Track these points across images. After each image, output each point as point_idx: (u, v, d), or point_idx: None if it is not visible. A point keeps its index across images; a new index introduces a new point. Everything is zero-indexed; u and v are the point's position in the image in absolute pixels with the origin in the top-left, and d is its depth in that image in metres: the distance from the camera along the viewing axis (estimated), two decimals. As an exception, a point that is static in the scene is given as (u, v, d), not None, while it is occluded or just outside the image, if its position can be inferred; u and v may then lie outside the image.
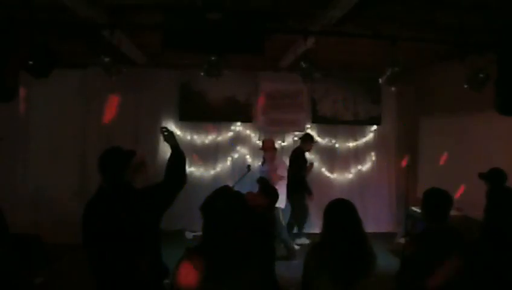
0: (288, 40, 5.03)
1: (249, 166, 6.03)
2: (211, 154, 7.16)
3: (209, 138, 7.17)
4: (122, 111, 6.80)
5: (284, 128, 7.30)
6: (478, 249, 2.68)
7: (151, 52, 5.76)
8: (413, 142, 7.35)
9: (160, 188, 2.57)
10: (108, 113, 6.70)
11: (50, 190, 6.44)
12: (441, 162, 6.27)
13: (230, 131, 7.23)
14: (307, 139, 6.54)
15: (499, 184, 4.18)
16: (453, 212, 2.72)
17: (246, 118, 7.18)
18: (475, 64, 4.49)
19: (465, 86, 4.61)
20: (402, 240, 6.35)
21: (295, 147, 6.75)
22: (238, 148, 7.23)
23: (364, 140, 7.56)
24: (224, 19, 3.95)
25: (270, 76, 7.11)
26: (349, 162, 7.50)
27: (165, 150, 6.94)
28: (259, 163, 6.44)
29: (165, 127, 2.79)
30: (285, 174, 5.95)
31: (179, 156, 2.71)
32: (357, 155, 7.52)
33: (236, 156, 7.21)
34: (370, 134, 7.57)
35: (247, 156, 7.18)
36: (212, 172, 7.15)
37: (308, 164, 6.51)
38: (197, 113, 7.00)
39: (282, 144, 7.34)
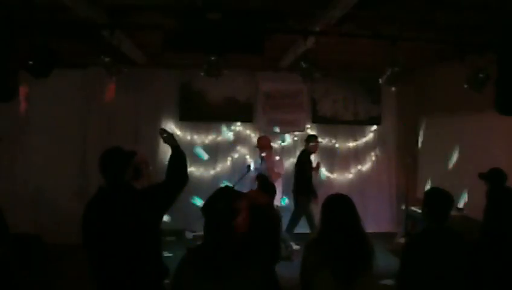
0: (288, 40, 5.02)
1: (248, 166, 6.03)
2: (211, 154, 7.16)
3: (209, 138, 7.18)
4: (122, 111, 6.80)
5: (284, 129, 7.30)
6: (478, 249, 2.67)
7: (151, 52, 5.75)
8: (413, 142, 7.36)
9: (162, 188, 2.57)
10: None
11: (50, 190, 6.44)
12: (441, 163, 6.27)
13: (230, 131, 7.24)
14: (311, 140, 6.53)
15: (499, 184, 4.18)
16: (453, 212, 2.72)
17: (246, 118, 7.18)
18: (475, 64, 4.48)
19: (465, 86, 4.61)
20: (402, 240, 6.34)
21: (292, 146, 6.76)
22: (238, 148, 7.23)
23: (364, 140, 7.56)
24: (224, 19, 3.94)
25: (270, 76, 7.11)
26: (349, 162, 7.50)
27: (165, 150, 6.96)
28: (253, 162, 6.39)
29: (163, 129, 2.78)
30: (282, 171, 5.99)
31: (179, 156, 2.69)
32: (357, 155, 7.52)
33: (236, 156, 7.21)
34: (370, 134, 7.57)
35: (247, 156, 7.18)
36: (212, 172, 7.15)
37: (314, 165, 6.52)
38: (197, 113, 7.00)
39: (282, 144, 7.34)
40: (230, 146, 7.22)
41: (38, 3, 3.72)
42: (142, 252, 2.42)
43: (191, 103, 6.96)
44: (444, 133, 6.32)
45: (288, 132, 7.35)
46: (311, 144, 6.45)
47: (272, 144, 6.35)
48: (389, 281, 4.12)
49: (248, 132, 7.24)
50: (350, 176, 7.50)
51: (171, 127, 7.03)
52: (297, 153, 7.34)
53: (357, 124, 7.46)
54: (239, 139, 7.24)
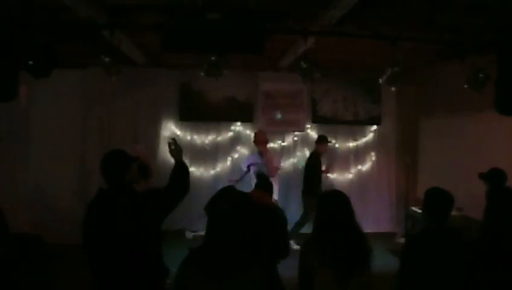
0: (288, 40, 5.02)
1: (248, 166, 6.03)
2: (211, 154, 7.17)
3: (209, 138, 7.18)
4: (122, 111, 6.80)
5: (284, 129, 7.30)
6: (478, 249, 2.67)
7: (151, 52, 5.75)
8: (413, 142, 7.35)
9: (164, 192, 2.59)
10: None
11: (50, 190, 6.44)
12: (442, 163, 6.27)
13: (230, 131, 7.24)
14: (321, 142, 6.51)
15: (499, 184, 4.18)
16: (453, 212, 2.72)
17: (246, 118, 7.18)
18: (475, 64, 4.49)
19: (465, 86, 4.61)
20: (402, 240, 6.34)
21: (292, 146, 6.78)
22: (238, 148, 7.22)
23: (364, 140, 7.56)
24: (224, 19, 3.94)
25: (270, 76, 7.11)
26: (349, 162, 7.50)
27: (165, 150, 6.96)
28: (247, 159, 6.37)
29: (174, 140, 2.70)
30: (280, 165, 6.09)
31: (183, 169, 2.68)
32: (357, 155, 7.53)
33: (236, 156, 7.21)
34: (370, 134, 7.57)
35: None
36: (212, 172, 7.15)
37: (324, 167, 6.52)
38: (197, 113, 7.01)
39: (282, 144, 7.34)
40: (230, 146, 7.22)
41: (38, 3, 3.72)
42: (143, 253, 2.42)
43: (191, 103, 6.96)
44: (444, 133, 6.32)
45: (288, 132, 7.36)
46: (320, 145, 6.44)
47: (272, 144, 6.37)
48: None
49: (248, 132, 7.24)
50: (350, 176, 7.50)
51: (171, 127, 7.04)
52: (298, 153, 7.38)
53: (357, 124, 7.47)
54: (239, 139, 7.24)
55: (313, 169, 6.35)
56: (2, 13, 3.75)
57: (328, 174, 7.07)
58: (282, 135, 7.36)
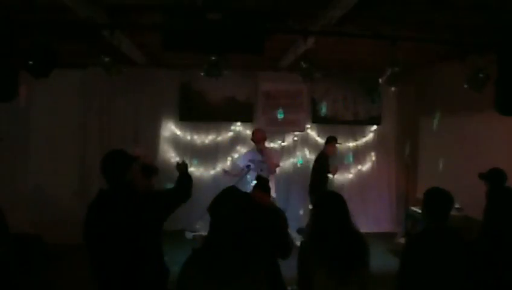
0: (288, 40, 5.02)
1: (248, 166, 6.02)
2: (211, 154, 7.16)
3: (209, 138, 7.18)
4: (122, 111, 6.80)
5: (284, 128, 7.30)
6: (478, 249, 2.67)
7: (151, 52, 5.75)
8: (413, 142, 7.36)
9: (167, 194, 2.72)
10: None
11: (50, 189, 6.45)
12: (441, 163, 6.27)
13: (230, 131, 7.24)
14: (329, 142, 6.48)
15: (499, 184, 4.18)
16: (453, 212, 2.72)
17: (246, 118, 7.17)
18: (475, 64, 4.48)
19: (465, 86, 4.60)
20: (402, 240, 6.34)
21: (292, 146, 6.77)
22: (238, 148, 7.22)
23: (364, 140, 7.56)
24: (224, 19, 3.94)
25: (270, 76, 7.11)
26: (349, 162, 7.50)
27: (165, 150, 7.02)
28: (243, 156, 6.34)
29: (184, 161, 3.08)
30: (279, 162, 6.13)
31: (187, 179, 2.95)
32: (357, 155, 7.52)
33: (236, 156, 7.20)
34: (370, 134, 7.57)
35: (247, 156, 7.18)
36: (212, 172, 7.15)
37: (331, 168, 6.49)
38: (197, 113, 7.00)
39: (282, 144, 7.34)
40: (230, 146, 7.22)
41: (38, 3, 3.72)
42: (143, 253, 2.42)
43: (191, 103, 6.96)
44: (444, 133, 6.32)
45: (288, 132, 7.36)
46: (329, 146, 6.43)
47: (272, 144, 6.37)
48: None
49: (248, 132, 7.23)
50: (350, 176, 7.50)
51: (171, 127, 7.04)
52: (298, 153, 7.38)
53: (357, 124, 7.47)
54: (239, 139, 7.24)
55: (320, 170, 6.34)
56: (2, 13, 3.75)
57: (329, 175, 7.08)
58: (282, 135, 7.36)
